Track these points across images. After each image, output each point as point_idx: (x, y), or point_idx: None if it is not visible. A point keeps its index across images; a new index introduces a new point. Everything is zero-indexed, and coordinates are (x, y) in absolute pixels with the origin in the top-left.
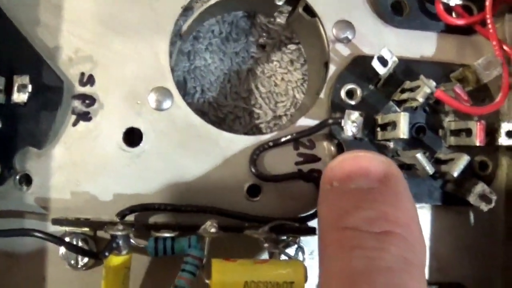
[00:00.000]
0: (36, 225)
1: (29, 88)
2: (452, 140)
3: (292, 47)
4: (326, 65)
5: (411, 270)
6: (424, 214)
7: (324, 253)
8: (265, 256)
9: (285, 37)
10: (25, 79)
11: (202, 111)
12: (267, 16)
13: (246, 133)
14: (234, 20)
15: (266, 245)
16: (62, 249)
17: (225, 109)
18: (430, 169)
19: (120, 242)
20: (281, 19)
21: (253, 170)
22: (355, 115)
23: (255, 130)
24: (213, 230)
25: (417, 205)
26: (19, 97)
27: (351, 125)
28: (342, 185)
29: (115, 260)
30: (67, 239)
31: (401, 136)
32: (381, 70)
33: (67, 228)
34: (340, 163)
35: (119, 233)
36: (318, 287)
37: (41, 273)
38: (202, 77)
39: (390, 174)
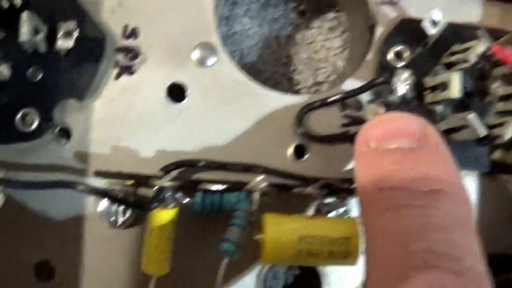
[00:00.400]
0: (75, 179)
1: (75, 33)
2: (500, 105)
3: (331, 15)
4: (371, 29)
5: (463, 227)
6: (471, 182)
7: (369, 214)
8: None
9: (324, 4)
10: (71, 25)
11: None
12: None
13: None
14: None
15: (316, 202)
16: (101, 206)
17: (265, 74)
18: (483, 130)
19: (168, 195)
20: None
21: (299, 130)
22: (406, 74)
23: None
24: (264, 184)
25: (463, 172)
26: (64, 43)
27: (401, 84)
28: (380, 145)
29: (160, 214)
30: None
31: (454, 96)
32: (431, 31)
33: (108, 184)
34: (377, 124)
35: (168, 184)
36: (365, 249)
37: (77, 231)
38: (241, 42)
39: (429, 134)
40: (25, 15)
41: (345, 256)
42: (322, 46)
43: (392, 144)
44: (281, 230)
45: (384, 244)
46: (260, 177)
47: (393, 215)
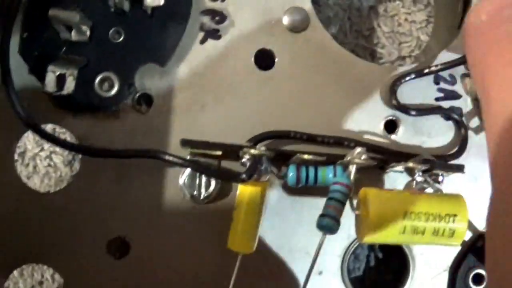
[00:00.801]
0: (156, 147)
1: None
2: None
3: None
4: None
5: None
6: None
7: (489, 90)
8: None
9: None
10: None
11: None
12: None
13: None
14: None
15: (418, 178)
16: (183, 179)
17: (346, 47)
18: None
19: (263, 165)
20: None
21: (393, 101)
22: None
23: None
24: (364, 157)
25: None
26: (155, 0)
27: None
28: (494, 17)
29: (251, 187)
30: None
31: None
32: None
33: (189, 156)
34: (485, 1)
35: (263, 153)
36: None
37: (157, 205)
38: (319, 12)
39: None
40: None
41: (451, 234)
42: (406, 19)
43: (504, 13)
44: (385, 205)
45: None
46: (358, 150)
47: None
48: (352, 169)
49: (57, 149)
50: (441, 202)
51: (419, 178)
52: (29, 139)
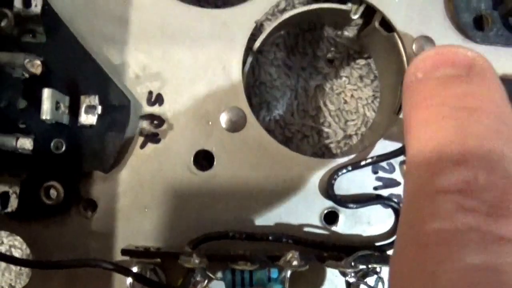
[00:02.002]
0: (102, 253)
1: (99, 109)
2: None
3: (362, 62)
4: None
5: (506, 141)
6: None
7: (413, 130)
8: (343, 286)
9: (353, 51)
10: (94, 99)
11: (268, 130)
12: (335, 29)
13: (315, 153)
14: (299, 33)
15: (350, 279)
16: (129, 281)
17: (293, 127)
18: None
19: (198, 276)
20: (349, 32)
21: (331, 194)
22: None
23: (324, 150)
24: (295, 263)
25: None
26: (87, 119)
27: None
28: (427, 75)
29: None
30: (134, 269)
31: None
32: None
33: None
34: (424, 57)
35: (196, 266)
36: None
37: None
38: (267, 93)
39: (477, 61)
40: (46, 92)
41: None
42: (352, 96)
43: (438, 72)
44: None
45: (427, 150)
46: (290, 254)
47: (436, 126)
48: (287, 273)
49: (16, 242)
50: None
51: (351, 279)
52: None
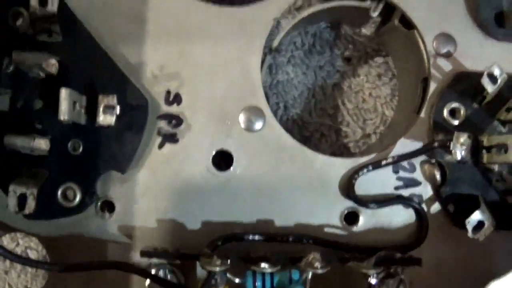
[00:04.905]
0: (120, 254)
1: (117, 109)
2: None
3: (379, 60)
4: (424, 81)
5: None
6: None
7: None
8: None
9: (371, 49)
10: (112, 99)
11: (286, 129)
12: (352, 27)
13: (333, 152)
14: (317, 31)
15: (373, 280)
16: (148, 283)
17: (311, 127)
18: None
19: (218, 278)
20: (367, 30)
21: (352, 194)
22: (464, 137)
23: (343, 149)
24: (317, 264)
25: None
26: (106, 119)
27: (460, 148)
28: None
29: None
30: (153, 271)
31: None
32: (491, 88)
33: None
34: None
35: (217, 268)
36: None
37: None
38: (285, 92)
39: None
40: (63, 93)
41: None
42: (370, 94)
43: None
44: None
45: None
46: (311, 255)
47: None
48: (308, 275)
49: (32, 244)
50: None
51: (373, 280)
52: (5, 236)
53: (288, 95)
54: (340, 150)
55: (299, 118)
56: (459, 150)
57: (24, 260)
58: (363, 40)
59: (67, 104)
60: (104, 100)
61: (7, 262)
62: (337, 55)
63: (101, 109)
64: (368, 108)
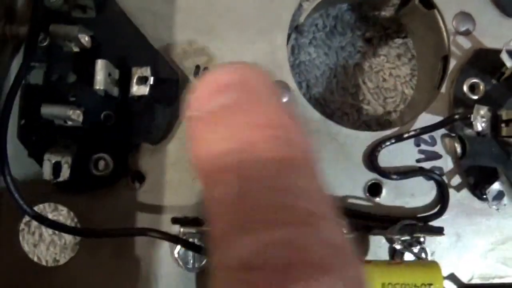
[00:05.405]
0: (149, 224)
1: (151, 80)
2: None
3: (399, 41)
4: (444, 59)
5: (293, 167)
6: None
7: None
8: (386, 256)
9: (392, 30)
10: (146, 70)
11: None
12: (373, 9)
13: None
14: (338, 13)
15: (397, 246)
16: (177, 250)
17: (333, 105)
18: None
19: None
20: (386, 12)
21: (375, 166)
22: (484, 110)
23: (364, 126)
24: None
25: None
26: (139, 89)
27: (480, 120)
28: (200, 111)
29: None
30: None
31: None
32: (510, 63)
33: (183, 229)
34: (194, 95)
35: None
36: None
37: (153, 274)
38: (307, 72)
39: (246, 78)
40: (99, 64)
41: None
42: (390, 74)
43: (209, 105)
44: None
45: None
46: None
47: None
48: None
49: (61, 217)
50: (417, 271)
51: (398, 246)
52: (38, 206)
53: (310, 75)
54: (362, 128)
55: (321, 97)
56: (479, 122)
57: (58, 226)
58: (384, 21)
59: (102, 74)
60: (138, 72)
61: (36, 235)
62: (358, 36)
63: (134, 80)
64: (388, 87)
